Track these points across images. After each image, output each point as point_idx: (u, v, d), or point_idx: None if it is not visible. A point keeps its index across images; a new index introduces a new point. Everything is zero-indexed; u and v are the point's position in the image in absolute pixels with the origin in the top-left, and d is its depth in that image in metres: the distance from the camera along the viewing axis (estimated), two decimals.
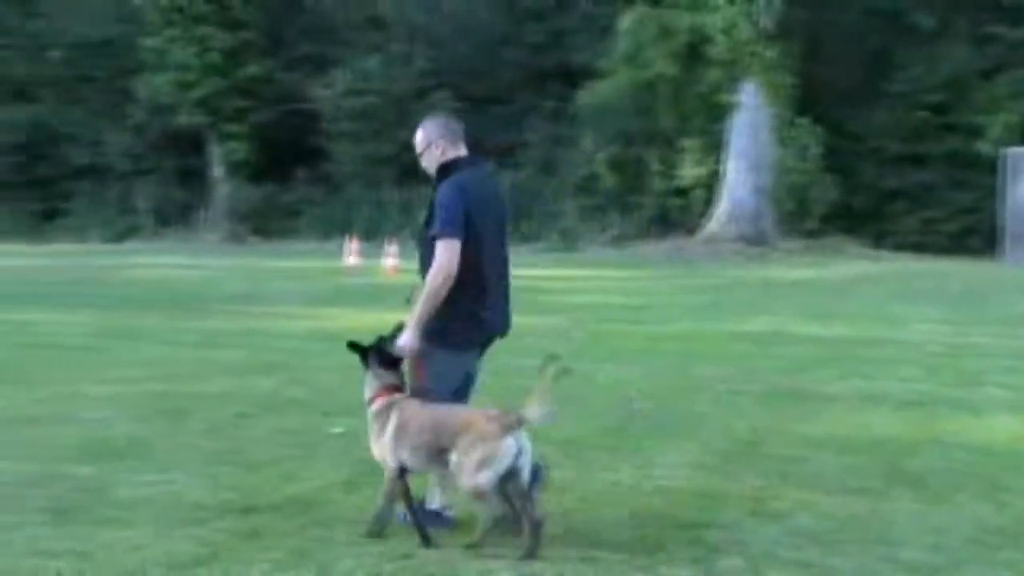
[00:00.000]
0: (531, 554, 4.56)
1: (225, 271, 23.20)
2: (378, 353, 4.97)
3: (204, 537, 4.91)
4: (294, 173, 37.28)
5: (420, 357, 4.96)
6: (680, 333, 12.67)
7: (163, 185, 38.73)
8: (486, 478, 4.57)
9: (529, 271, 23.13)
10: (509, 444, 4.58)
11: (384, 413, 4.87)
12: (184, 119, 36.72)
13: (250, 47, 37.08)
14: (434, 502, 5.10)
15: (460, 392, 5.08)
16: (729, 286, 19.82)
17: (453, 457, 4.64)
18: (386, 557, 4.63)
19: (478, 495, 4.62)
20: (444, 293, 4.82)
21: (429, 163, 5.15)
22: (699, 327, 13.23)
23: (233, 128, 36.85)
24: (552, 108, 34.80)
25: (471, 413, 4.81)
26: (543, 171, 34.15)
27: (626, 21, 30.87)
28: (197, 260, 26.44)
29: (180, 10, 36.01)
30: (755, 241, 29.42)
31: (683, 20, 30.38)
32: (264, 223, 37.15)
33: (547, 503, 5.44)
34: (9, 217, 39.24)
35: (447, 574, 4.44)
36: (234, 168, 37.46)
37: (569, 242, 31.75)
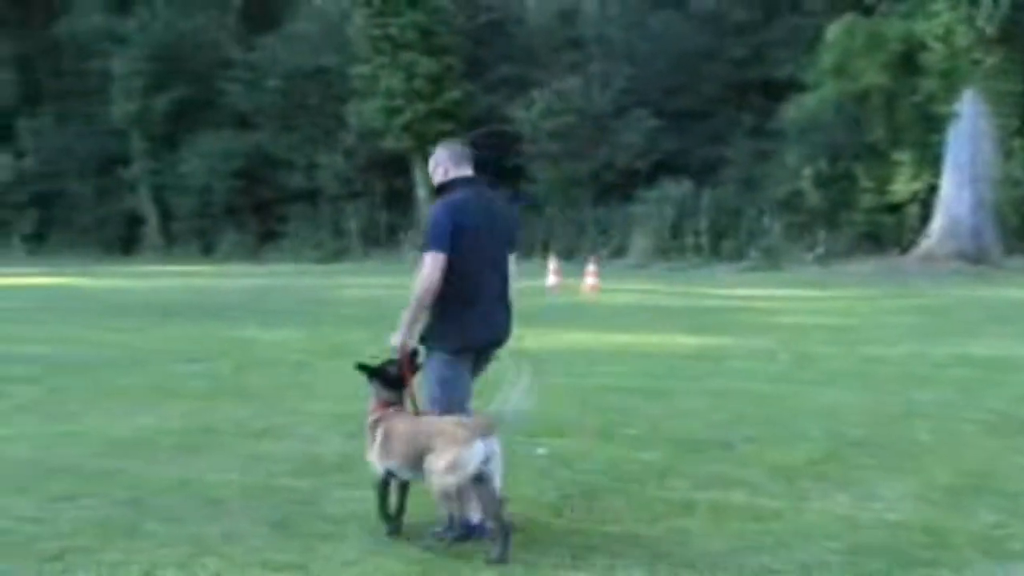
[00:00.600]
0: (502, 558, 4.77)
1: None
2: (382, 375, 5.44)
3: (413, 555, 5.00)
4: None
5: (406, 353, 5.33)
6: (896, 356, 12.01)
7: (371, 207, 40.24)
8: (453, 480, 4.83)
9: (731, 290, 22.67)
10: (477, 449, 4.83)
11: (375, 426, 5.32)
12: (391, 143, 38.03)
13: (452, 72, 38.07)
14: (474, 516, 5.17)
15: (461, 402, 5.34)
16: (948, 306, 18.73)
17: (427, 460, 4.93)
18: None
19: (445, 496, 4.89)
20: (428, 301, 5.23)
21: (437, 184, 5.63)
22: (916, 349, 12.51)
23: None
24: (753, 123, 34.04)
25: (445, 420, 5.10)
26: (745, 188, 33.38)
27: (834, 31, 29.85)
28: (402, 280, 27.27)
29: (389, 38, 37.41)
30: (975, 259, 27.71)
31: (896, 28, 29.13)
32: None
33: (759, 532, 5.25)
34: (233, 239, 41.81)
35: None
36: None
37: (772, 260, 30.87)
